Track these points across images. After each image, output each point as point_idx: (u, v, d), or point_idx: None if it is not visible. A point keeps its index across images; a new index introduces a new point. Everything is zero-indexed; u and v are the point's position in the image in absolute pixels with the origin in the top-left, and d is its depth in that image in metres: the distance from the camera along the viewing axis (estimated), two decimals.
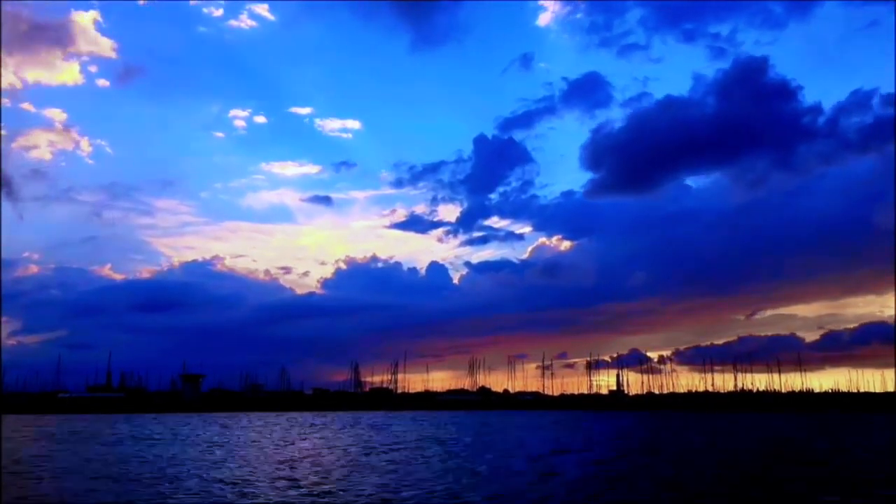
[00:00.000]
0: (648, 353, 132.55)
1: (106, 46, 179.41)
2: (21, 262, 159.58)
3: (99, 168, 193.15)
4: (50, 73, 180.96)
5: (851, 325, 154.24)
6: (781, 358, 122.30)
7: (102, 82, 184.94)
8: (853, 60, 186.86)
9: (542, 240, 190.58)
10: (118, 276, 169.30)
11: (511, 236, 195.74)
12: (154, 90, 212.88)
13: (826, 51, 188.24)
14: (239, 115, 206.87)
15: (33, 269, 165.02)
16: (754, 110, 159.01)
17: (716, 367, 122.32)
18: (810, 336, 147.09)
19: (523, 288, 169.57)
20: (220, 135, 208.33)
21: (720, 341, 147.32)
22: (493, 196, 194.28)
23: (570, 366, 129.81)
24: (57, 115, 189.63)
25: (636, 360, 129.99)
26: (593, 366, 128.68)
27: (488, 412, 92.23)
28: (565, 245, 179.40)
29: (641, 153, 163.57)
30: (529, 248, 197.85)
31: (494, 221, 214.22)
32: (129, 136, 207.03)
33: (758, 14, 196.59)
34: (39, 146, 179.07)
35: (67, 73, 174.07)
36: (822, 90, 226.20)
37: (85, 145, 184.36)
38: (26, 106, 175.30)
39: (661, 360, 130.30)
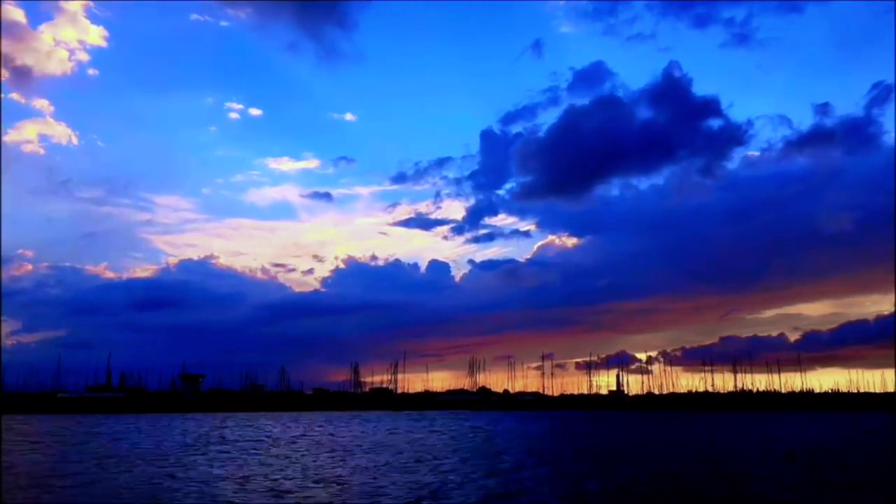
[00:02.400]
0: (637, 354, 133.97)
1: (96, 35, 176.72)
2: (15, 259, 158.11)
3: (92, 162, 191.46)
4: (38, 63, 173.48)
5: (831, 326, 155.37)
6: (762, 359, 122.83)
7: (92, 72, 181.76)
8: (876, 48, 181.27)
9: (550, 238, 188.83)
10: (117, 275, 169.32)
11: (517, 234, 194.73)
12: (147, 81, 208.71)
13: (847, 37, 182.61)
14: (235, 108, 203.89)
15: (28, 267, 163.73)
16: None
17: (702, 368, 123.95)
18: (793, 336, 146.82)
19: (525, 286, 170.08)
20: (216, 128, 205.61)
21: (708, 342, 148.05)
22: (501, 192, 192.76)
23: (561, 365, 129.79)
24: (45, 106, 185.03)
25: (625, 361, 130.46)
26: (592, 366, 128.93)
27: (488, 412, 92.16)
28: (571, 242, 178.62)
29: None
30: (535, 246, 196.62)
31: (501, 219, 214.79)
32: (122, 129, 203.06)
33: None
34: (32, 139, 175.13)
35: (56, 62, 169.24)
36: (843, 81, 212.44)
37: (74, 139, 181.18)
38: (15, 96, 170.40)
39: (650, 360, 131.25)
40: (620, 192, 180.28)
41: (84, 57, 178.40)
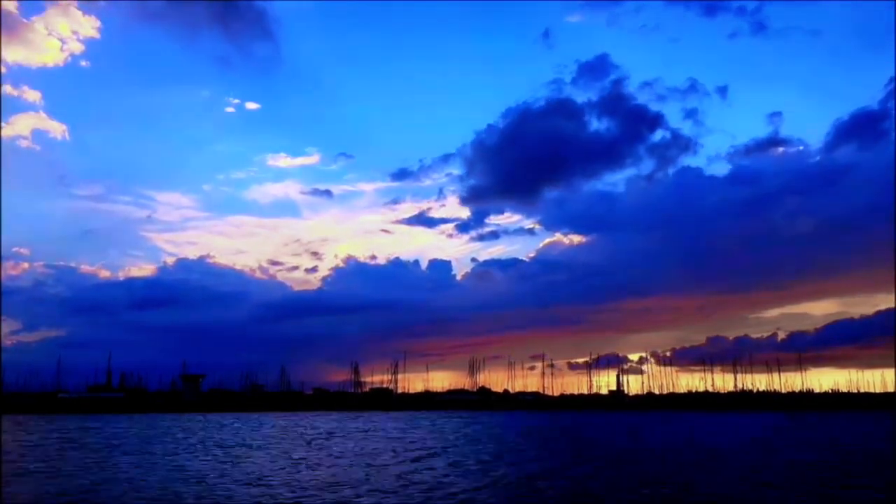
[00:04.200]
0: (629, 355, 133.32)
1: (87, 25, 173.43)
2: (11, 257, 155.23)
3: (88, 157, 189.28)
4: (28, 53, 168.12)
5: (817, 325, 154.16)
6: (747, 358, 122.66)
7: (84, 63, 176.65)
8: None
9: (558, 236, 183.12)
10: (114, 274, 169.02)
11: (522, 231, 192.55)
12: (140, 73, 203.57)
13: (869, 28, 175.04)
14: (233, 102, 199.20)
15: (24, 265, 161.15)
16: None
17: (691, 368, 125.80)
18: (780, 335, 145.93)
19: (528, 285, 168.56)
20: (215, 123, 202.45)
21: (698, 342, 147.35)
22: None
23: (553, 365, 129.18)
24: (37, 98, 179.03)
25: (615, 361, 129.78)
26: (591, 366, 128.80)
27: (486, 413, 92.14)
28: (576, 240, 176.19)
29: None
30: (540, 244, 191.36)
31: (507, 216, 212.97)
32: (116, 123, 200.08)
33: None
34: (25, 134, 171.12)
35: (47, 53, 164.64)
36: (872, 70, 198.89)
37: (67, 133, 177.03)
38: (8, 89, 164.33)
39: (641, 360, 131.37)
40: (626, 188, 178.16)
41: (77, 48, 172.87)
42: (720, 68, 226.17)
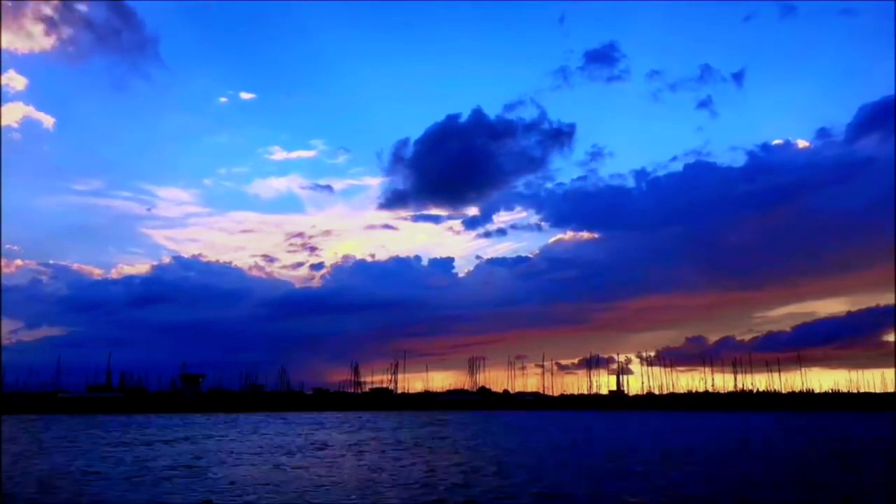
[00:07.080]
0: (616, 356, 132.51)
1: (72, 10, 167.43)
2: (3, 255, 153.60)
3: (83, 151, 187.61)
4: (13, 38, 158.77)
5: (793, 325, 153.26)
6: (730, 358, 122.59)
7: (72, 49, 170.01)
8: None
9: (569, 233, 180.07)
10: (114, 271, 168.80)
11: (530, 228, 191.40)
12: (128, 64, 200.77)
13: None
14: (230, 94, 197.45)
15: (18, 262, 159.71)
16: None
17: (677, 368, 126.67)
18: (747, 336, 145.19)
19: (531, 283, 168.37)
20: (215, 116, 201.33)
21: (681, 342, 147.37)
22: (518, 185, 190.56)
23: (541, 365, 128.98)
24: (22, 84, 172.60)
25: (602, 362, 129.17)
26: (591, 366, 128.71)
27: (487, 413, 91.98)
28: (584, 236, 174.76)
29: None
30: (547, 241, 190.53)
31: (517, 213, 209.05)
32: (111, 116, 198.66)
33: None
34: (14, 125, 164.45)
35: (34, 38, 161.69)
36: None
37: (56, 125, 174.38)
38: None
39: (628, 360, 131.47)
40: (636, 184, 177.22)
41: (65, 33, 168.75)
42: (733, 55, 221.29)
